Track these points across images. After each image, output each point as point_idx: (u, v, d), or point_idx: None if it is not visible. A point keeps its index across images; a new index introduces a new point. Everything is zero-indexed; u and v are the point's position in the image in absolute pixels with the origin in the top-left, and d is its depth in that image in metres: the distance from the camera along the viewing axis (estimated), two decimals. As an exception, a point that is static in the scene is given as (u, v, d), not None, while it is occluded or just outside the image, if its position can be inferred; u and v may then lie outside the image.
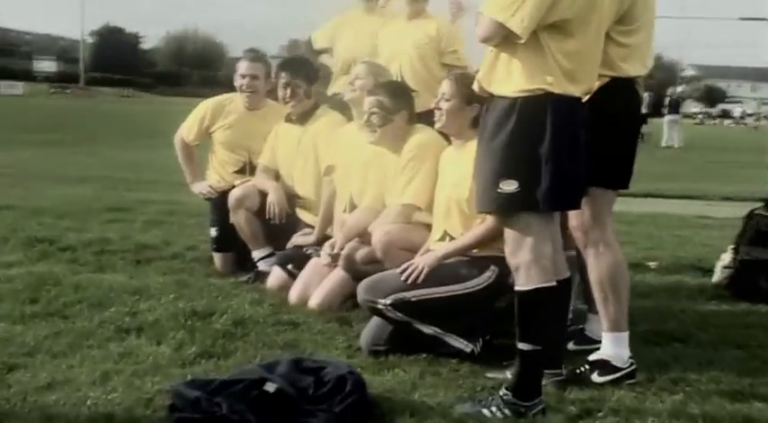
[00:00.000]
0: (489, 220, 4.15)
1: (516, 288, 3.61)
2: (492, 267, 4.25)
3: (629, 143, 4.03)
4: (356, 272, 4.99)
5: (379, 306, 4.25)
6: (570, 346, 4.43)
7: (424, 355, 4.26)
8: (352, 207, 5.29)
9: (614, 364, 4.02)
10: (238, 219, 5.81)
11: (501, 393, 3.60)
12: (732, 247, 6.09)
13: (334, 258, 4.95)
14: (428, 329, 4.28)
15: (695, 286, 6.16)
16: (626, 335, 4.07)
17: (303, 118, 5.81)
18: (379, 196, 5.02)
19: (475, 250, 4.31)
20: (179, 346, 4.30)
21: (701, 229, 9.23)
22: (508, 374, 3.85)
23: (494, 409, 3.57)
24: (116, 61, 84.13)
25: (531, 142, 3.46)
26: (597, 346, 4.22)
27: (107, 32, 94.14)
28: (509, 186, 3.47)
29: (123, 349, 4.25)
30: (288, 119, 5.90)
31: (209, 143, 6.41)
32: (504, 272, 4.06)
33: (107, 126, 28.32)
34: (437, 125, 4.49)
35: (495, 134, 3.50)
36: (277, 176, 6.01)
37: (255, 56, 6.26)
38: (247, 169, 6.23)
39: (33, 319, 4.69)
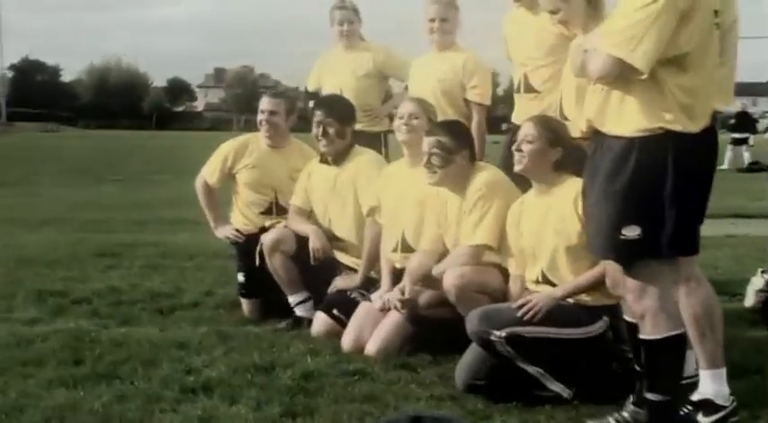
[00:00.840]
0: (604, 265, 4.03)
1: (642, 337, 3.52)
2: (604, 318, 4.22)
3: None
4: (415, 317, 4.88)
5: (493, 338, 4.12)
6: None
7: (514, 403, 4.13)
8: (404, 248, 5.18)
9: (717, 402, 3.93)
10: (274, 263, 5.62)
11: None
12: (762, 270, 6.07)
13: (405, 304, 4.78)
14: (531, 369, 4.18)
15: (728, 311, 6.12)
16: (724, 371, 3.99)
17: (338, 158, 5.66)
18: (438, 238, 4.91)
19: (588, 298, 4.24)
20: (257, 406, 4.09)
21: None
22: (611, 420, 3.79)
23: None
24: (37, 95, 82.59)
25: (653, 184, 3.37)
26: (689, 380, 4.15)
27: (27, 65, 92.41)
28: (632, 232, 3.38)
29: (201, 412, 4.03)
30: (322, 159, 5.74)
31: (231, 185, 6.25)
32: (613, 322, 4.12)
33: (40, 163, 27.53)
34: (517, 168, 4.38)
35: (613, 177, 3.40)
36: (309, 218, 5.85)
37: (276, 92, 6.34)
38: (274, 209, 6.08)
39: (87, 382, 4.44)
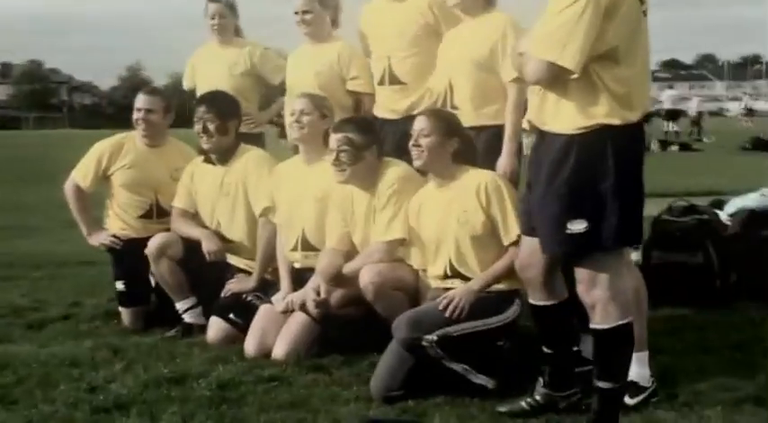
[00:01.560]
0: (513, 251, 4.12)
1: (592, 326, 3.58)
2: (516, 301, 4.30)
3: None
4: (324, 316, 4.81)
5: (425, 343, 4.11)
6: None
7: (442, 398, 4.12)
8: (305, 246, 5.09)
9: (641, 384, 4.07)
10: (161, 269, 5.38)
11: None
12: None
13: (321, 304, 4.66)
14: (457, 366, 4.18)
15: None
16: (647, 354, 4.14)
17: (223, 157, 5.47)
18: (346, 235, 4.84)
19: (500, 285, 4.30)
20: (183, 422, 3.90)
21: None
22: (523, 405, 3.93)
23: None
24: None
25: (595, 179, 3.41)
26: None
27: None
28: (577, 226, 3.42)
29: (124, 434, 3.80)
30: (206, 159, 5.53)
31: (105, 188, 5.93)
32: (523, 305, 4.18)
33: None
34: (416, 163, 4.41)
35: (556, 173, 3.44)
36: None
37: (152, 89, 6.03)
38: (154, 212, 5.80)
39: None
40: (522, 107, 4.58)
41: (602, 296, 3.49)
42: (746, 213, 6.53)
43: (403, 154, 4.78)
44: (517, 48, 3.65)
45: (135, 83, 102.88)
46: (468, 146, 4.40)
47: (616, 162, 3.39)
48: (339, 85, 5.60)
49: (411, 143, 4.37)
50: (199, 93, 6.10)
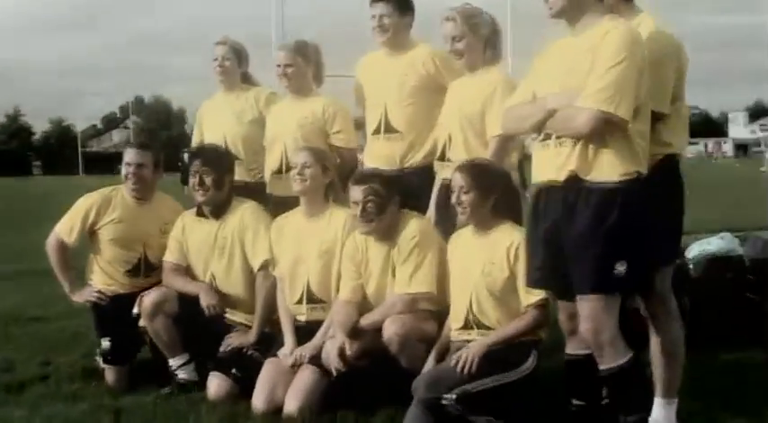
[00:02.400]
0: (534, 311, 4.32)
1: (606, 367, 3.72)
2: (533, 352, 4.35)
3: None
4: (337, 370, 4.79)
5: (445, 402, 4.14)
6: None
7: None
8: (310, 299, 5.09)
9: None
10: (156, 326, 5.27)
11: None
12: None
13: (345, 358, 4.63)
14: (481, 419, 4.23)
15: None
16: (676, 401, 4.22)
17: (218, 211, 5.44)
18: (359, 287, 4.85)
19: None
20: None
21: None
22: None
23: None
24: None
25: (636, 224, 3.63)
26: None
27: None
28: (621, 267, 3.61)
29: None
30: (199, 212, 5.48)
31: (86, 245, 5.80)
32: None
33: None
34: (461, 218, 4.46)
35: (602, 218, 3.62)
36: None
37: (143, 143, 5.85)
38: (142, 267, 5.70)
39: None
40: (498, 161, 4.78)
41: (611, 336, 3.70)
42: (708, 258, 6.71)
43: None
44: (549, 104, 3.74)
45: (13, 129, 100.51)
46: (508, 195, 4.49)
47: (648, 210, 3.67)
48: (321, 138, 5.63)
49: (454, 200, 4.45)
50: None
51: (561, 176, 3.72)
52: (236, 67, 6.12)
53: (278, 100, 6.02)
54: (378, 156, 5.44)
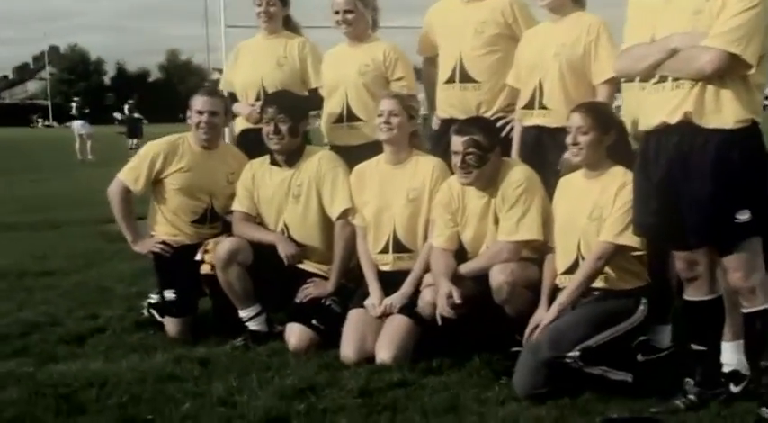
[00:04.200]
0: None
1: (752, 310, 3.83)
2: (643, 300, 4.41)
3: None
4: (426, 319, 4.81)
5: (568, 360, 4.20)
6: (639, 357, 4.59)
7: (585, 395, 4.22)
8: (396, 248, 5.11)
9: (742, 372, 4.22)
10: (230, 276, 5.19)
11: (763, 413, 3.81)
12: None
13: (458, 307, 4.61)
14: (596, 370, 4.26)
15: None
16: (742, 342, 4.25)
17: (291, 159, 5.38)
18: (455, 235, 4.87)
19: (626, 285, 4.44)
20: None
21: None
22: (678, 404, 4.05)
23: None
24: None
25: (756, 172, 3.75)
26: (663, 354, 4.62)
27: None
28: (743, 216, 3.72)
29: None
30: (272, 161, 5.41)
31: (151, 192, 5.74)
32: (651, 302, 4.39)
33: None
34: (575, 160, 4.47)
35: (721, 166, 3.72)
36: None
37: (212, 90, 5.74)
38: (208, 217, 5.64)
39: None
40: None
41: (760, 280, 3.80)
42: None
43: None
44: (669, 44, 3.77)
45: None
46: (621, 141, 4.51)
47: (764, 156, 3.79)
48: (383, 85, 5.62)
49: (569, 140, 4.45)
50: (237, 84, 5.98)
51: (674, 119, 3.76)
52: (280, 11, 6.04)
53: (319, 52, 6.03)
54: (452, 104, 5.44)
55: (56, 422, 4.02)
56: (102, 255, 8.80)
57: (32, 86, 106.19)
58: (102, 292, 6.96)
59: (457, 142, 4.66)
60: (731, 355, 4.21)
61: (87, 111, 27.59)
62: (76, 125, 27.52)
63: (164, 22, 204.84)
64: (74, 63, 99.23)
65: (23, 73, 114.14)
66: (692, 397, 4.08)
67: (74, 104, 28.29)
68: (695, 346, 4.13)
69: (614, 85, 4.93)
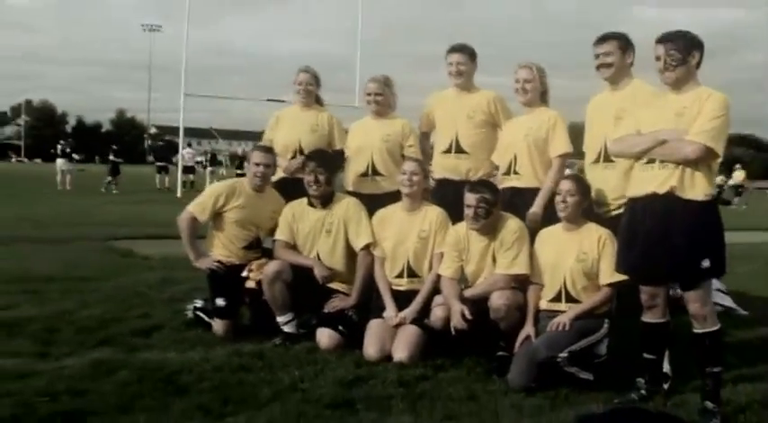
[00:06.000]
0: (606, 291, 4.43)
1: (703, 331, 3.92)
2: (606, 320, 4.48)
3: None
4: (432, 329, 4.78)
5: (559, 360, 4.23)
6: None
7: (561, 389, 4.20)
8: (410, 274, 5.05)
9: (669, 375, 4.30)
10: (275, 290, 5.02)
11: (707, 406, 3.87)
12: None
13: (466, 321, 4.56)
14: (571, 369, 4.29)
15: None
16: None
17: (325, 201, 5.27)
18: (459, 268, 4.85)
19: (596, 310, 4.49)
20: (420, 414, 3.76)
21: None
22: (634, 396, 4.11)
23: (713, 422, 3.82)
24: None
25: (716, 232, 3.90)
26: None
27: None
28: (706, 263, 3.85)
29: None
30: (310, 202, 5.29)
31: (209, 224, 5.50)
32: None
33: None
34: (562, 214, 4.52)
35: (693, 227, 3.83)
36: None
37: (268, 148, 5.60)
38: (254, 244, 5.47)
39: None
40: (561, 174, 4.92)
41: (710, 308, 3.93)
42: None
43: (460, 205, 4.87)
44: (659, 136, 3.89)
45: None
46: (590, 204, 4.58)
47: (720, 220, 3.94)
48: (399, 149, 5.61)
49: (559, 199, 4.51)
50: (278, 143, 5.81)
51: (663, 190, 3.87)
52: (314, 91, 5.94)
53: (340, 123, 5.99)
54: (448, 169, 5.43)
55: (169, 400, 3.78)
56: (122, 265, 8.35)
57: (8, 130, 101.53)
58: (139, 296, 6.57)
59: (471, 198, 4.66)
60: (665, 363, 4.31)
61: (69, 150, 26.45)
62: (60, 162, 26.36)
63: (115, 88, 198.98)
64: (43, 114, 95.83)
65: (2, 119, 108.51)
66: (642, 392, 4.15)
67: (59, 146, 26.97)
68: (646, 355, 4.20)
69: (565, 158, 5.04)
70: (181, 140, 26.75)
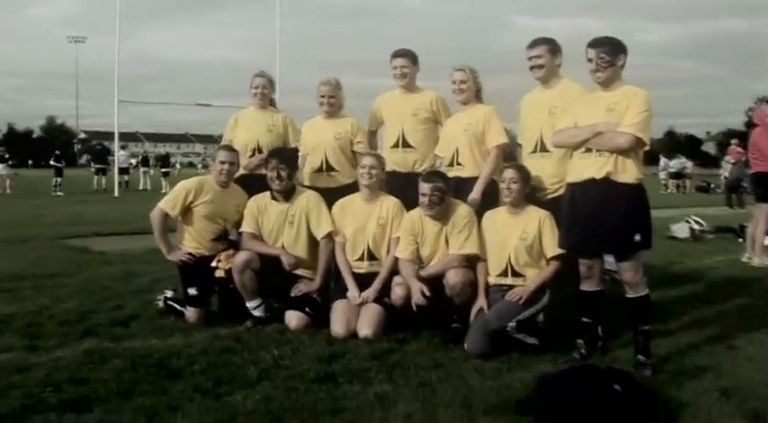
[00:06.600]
0: (554, 264, 4.52)
1: (636, 296, 4.12)
2: (547, 290, 4.59)
3: None
4: (392, 306, 4.80)
5: (509, 329, 4.31)
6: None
7: (513, 354, 4.29)
8: (369, 257, 5.05)
9: (602, 335, 4.48)
10: (245, 278, 4.94)
11: (640, 359, 4.05)
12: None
13: (425, 298, 4.59)
14: (519, 335, 4.38)
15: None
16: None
17: (287, 196, 5.19)
18: (416, 250, 4.86)
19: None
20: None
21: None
22: (575, 355, 4.25)
23: (647, 371, 3.99)
24: None
25: (645, 211, 4.09)
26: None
27: None
28: (637, 237, 4.04)
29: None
30: (273, 197, 5.20)
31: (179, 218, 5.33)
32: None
33: None
34: (507, 199, 4.60)
35: (626, 206, 4.01)
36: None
37: (231, 147, 5.47)
38: (222, 236, 5.34)
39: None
40: (498, 164, 5.01)
41: (641, 277, 4.11)
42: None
43: (408, 194, 4.94)
44: (596, 128, 4.03)
45: None
46: (530, 189, 4.67)
47: (647, 201, 4.11)
48: (349, 146, 5.58)
49: (505, 186, 4.58)
50: (238, 143, 5.66)
51: (600, 175, 4.03)
52: (269, 93, 5.85)
53: (295, 122, 5.89)
54: (396, 162, 5.42)
55: (165, 384, 3.67)
56: (81, 262, 8.01)
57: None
58: (107, 289, 6.33)
59: (425, 187, 4.69)
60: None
61: (7, 156, 25.10)
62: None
63: (44, 97, 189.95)
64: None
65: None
66: (582, 351, 4.29)
67: None
68: (585, 319, 4.35)
69: (502, 149, 5.13)
70: (116, 144, 25.89)
